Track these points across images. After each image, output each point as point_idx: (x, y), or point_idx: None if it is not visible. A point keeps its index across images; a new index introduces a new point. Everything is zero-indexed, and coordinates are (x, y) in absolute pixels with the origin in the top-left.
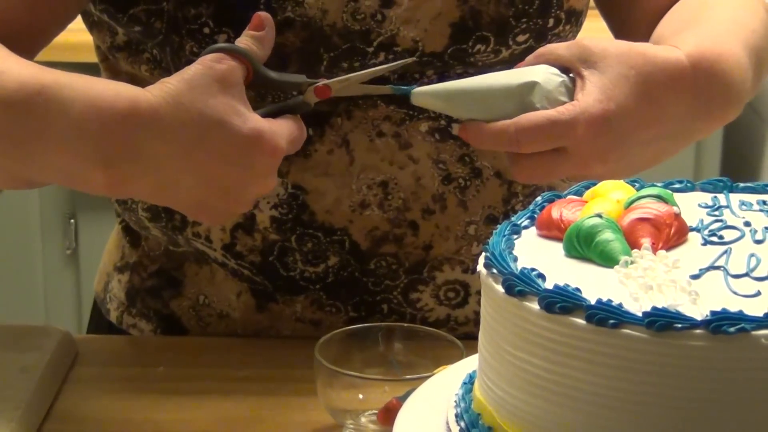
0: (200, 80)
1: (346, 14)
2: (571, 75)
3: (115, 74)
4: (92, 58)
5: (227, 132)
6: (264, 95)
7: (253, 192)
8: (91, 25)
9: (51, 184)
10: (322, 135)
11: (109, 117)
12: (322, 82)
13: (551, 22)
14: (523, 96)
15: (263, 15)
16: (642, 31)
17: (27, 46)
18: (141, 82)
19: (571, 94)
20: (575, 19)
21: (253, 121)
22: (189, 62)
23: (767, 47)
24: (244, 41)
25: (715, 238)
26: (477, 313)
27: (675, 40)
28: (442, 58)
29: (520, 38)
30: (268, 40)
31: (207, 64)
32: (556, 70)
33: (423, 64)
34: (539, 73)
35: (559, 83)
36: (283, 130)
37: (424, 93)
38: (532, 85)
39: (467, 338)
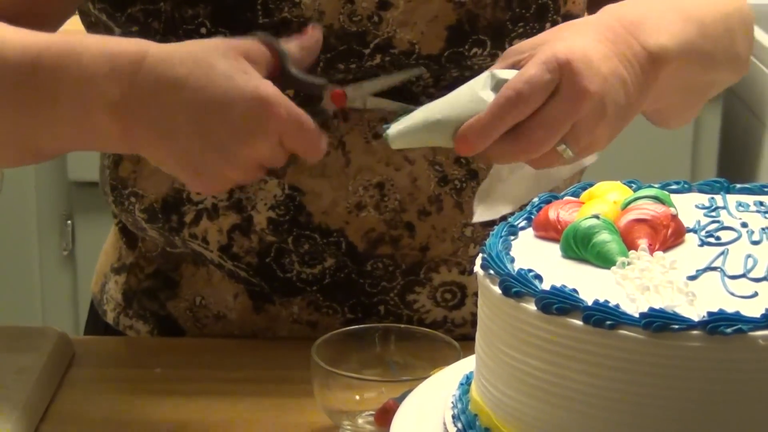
0: (219, 44)
1: (342, 16)
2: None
3: None
4: None
5: (231, 85)
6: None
7: (246, 153)
8: (89, 25)
9: (58, 155)
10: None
11: (120, 58)
12: (339, 88)
13: (548, 26)
14: (492, 82)
15: (312, 26)
16: None
17: None
18: None
19: None
20: None
21: (259, 80)
22: None
23: (711, 16)
24: (282, 39)
25: (712, 239)
26: (474, 315)
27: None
28: (438, 60)
29: (517, 42)
30: (307, 46)
31: (232, 38)
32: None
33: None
34: (495, 69)
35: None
36: (288, 102)
37: (401, 135)
38: (492, 75)
39: (464, 340)
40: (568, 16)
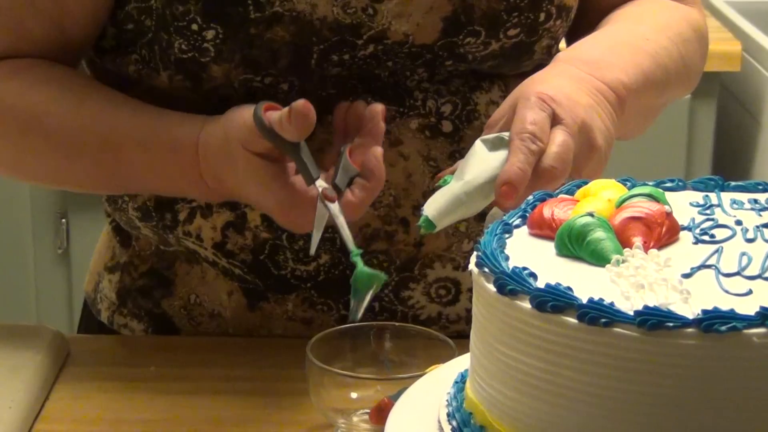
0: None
1: (336, 8)
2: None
3: (102, 73)
4: None
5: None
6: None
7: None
8: None
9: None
10: (313, 132)
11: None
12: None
13: (542, 16)
14: (490, 144)
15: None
16: (592, 24)
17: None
18: (126, 81)
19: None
20: (566, 14)
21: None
22: (177, 60)
23: (665, 44)
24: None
25: (706, 237)
26: (468, 311)
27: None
28: (431, 50)
29: (512, 32)
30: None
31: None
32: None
33: (413, 56)
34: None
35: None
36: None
37: (440, 214)
38: (489, 138)
39: (459, 337)
40: (562, 7)
